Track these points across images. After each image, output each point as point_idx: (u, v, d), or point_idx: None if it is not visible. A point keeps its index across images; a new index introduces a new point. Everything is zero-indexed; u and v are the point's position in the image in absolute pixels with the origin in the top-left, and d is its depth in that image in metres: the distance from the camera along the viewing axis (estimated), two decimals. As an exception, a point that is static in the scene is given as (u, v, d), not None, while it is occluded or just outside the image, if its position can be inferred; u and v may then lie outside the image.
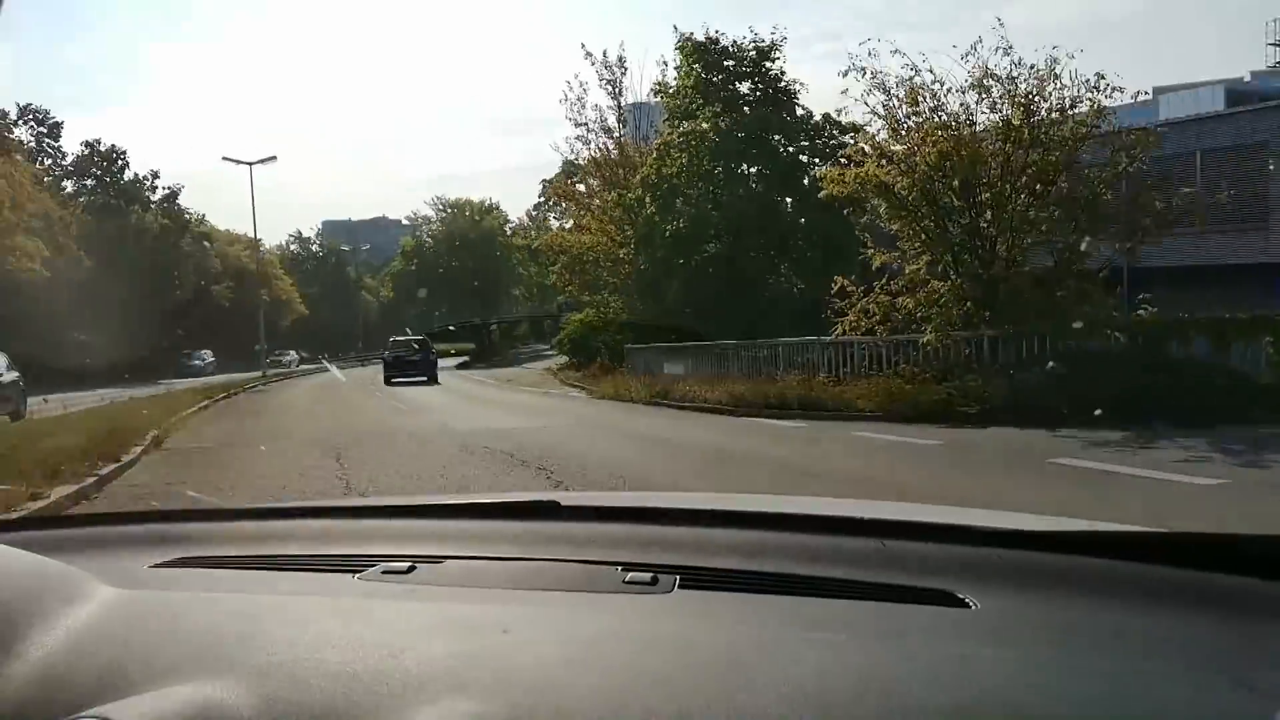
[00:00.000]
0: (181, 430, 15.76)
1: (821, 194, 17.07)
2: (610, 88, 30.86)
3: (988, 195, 14.40)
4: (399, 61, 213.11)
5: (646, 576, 1.17)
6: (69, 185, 53.29)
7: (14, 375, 20.62)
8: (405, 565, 1.27)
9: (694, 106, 26.32)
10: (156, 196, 57.32)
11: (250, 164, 44.89)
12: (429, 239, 65.48)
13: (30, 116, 52.21)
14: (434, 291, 64.05)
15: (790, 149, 26.38)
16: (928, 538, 1.26)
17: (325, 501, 2.45)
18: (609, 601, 1.14)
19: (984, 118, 14.73)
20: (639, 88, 33.37)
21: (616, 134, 31.03)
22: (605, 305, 31.86)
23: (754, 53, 26.24)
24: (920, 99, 14.79)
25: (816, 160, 26.85)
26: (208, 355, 49.09)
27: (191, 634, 1.05)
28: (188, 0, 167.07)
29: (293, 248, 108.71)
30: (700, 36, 26.44)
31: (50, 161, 53.16)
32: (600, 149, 31.07)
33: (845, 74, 15.23)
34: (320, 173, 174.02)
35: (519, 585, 1.20)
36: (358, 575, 1.26)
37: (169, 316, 52.69)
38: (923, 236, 14.99)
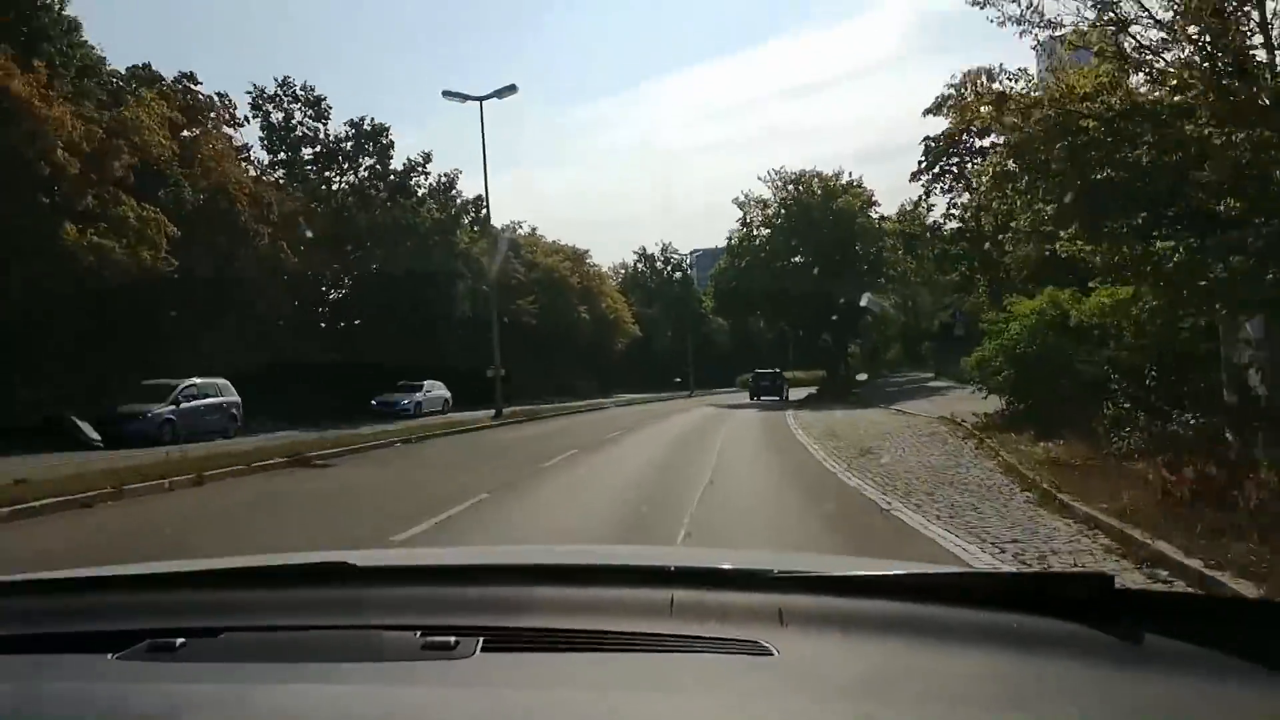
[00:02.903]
0: None
1: None
2: None
3: None
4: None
5: (447, 640, 1.07)
6: (315, 167, 41.81)
7: None
8: (175, 641, 1.11)
9: None
10: (429, 183, 44.63)
11: (480, 99, 29.33)
12: (761, 228, 46.48)
13: (289, 92, 41.50)
14: (769, 298, 45.02)
15: None
16: (727, 585, 1.24)
17: (90, 571, 1.56)
18: (403, 670, 1.02)
19: None
20: None
21: None
22: (1123, 268, 10.80)
23: None
24: None
25: None
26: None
27: None
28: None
29: (639, 266, 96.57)
30: None
31: (308, 146, 42.14)
32: None
33: None
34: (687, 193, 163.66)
35: (303, 657, 1.07)
36: (116, 655, 1.09)
37: (416, 333, 39.19)
38: None
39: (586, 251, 70.98)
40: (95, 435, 19.05)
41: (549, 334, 55.75)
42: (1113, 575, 1.15)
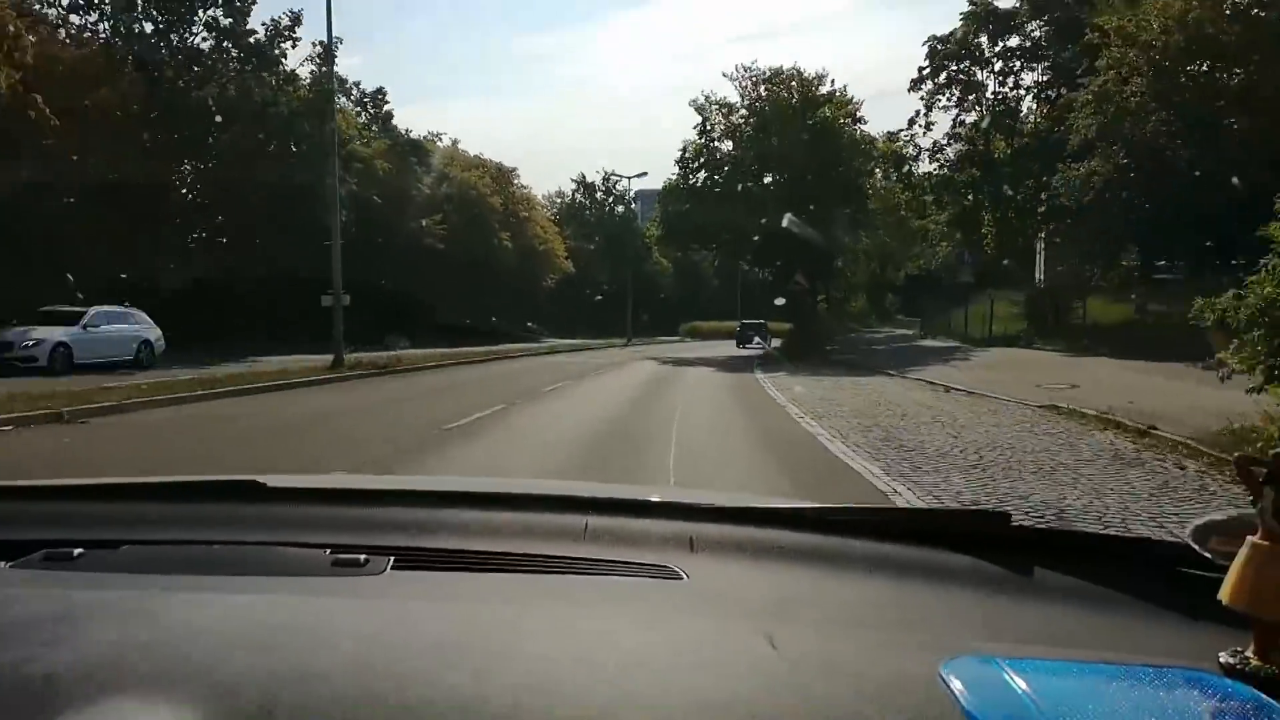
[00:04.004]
0: None
1: None
2: None
3: None
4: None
5: (356, 558, 1.06)
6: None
7: None
8: (72, 551, 1.09)
9: None
10: (298, 54, 34.36)
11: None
12: (724, 139, 37.18)
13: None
14: (729, 227, 36.00)
15: None
16: (640, 513, 1.26)
17: None
18: (312, 585, 1.01)
19: None
20: None
21: None
22: None
23: None
24: None
25: None
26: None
27: None
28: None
29: (577, 195, 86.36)
30: None
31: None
32: None
33: None
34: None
35: (208, 571, 1.05)
36: (10, 563, 1.08)
37: (268, 249, 29.53)
38: None
39: (514, 170, 60.83)
40: None
41: (462, 263, 46.16)
42: (1009, 512, 1.19)
